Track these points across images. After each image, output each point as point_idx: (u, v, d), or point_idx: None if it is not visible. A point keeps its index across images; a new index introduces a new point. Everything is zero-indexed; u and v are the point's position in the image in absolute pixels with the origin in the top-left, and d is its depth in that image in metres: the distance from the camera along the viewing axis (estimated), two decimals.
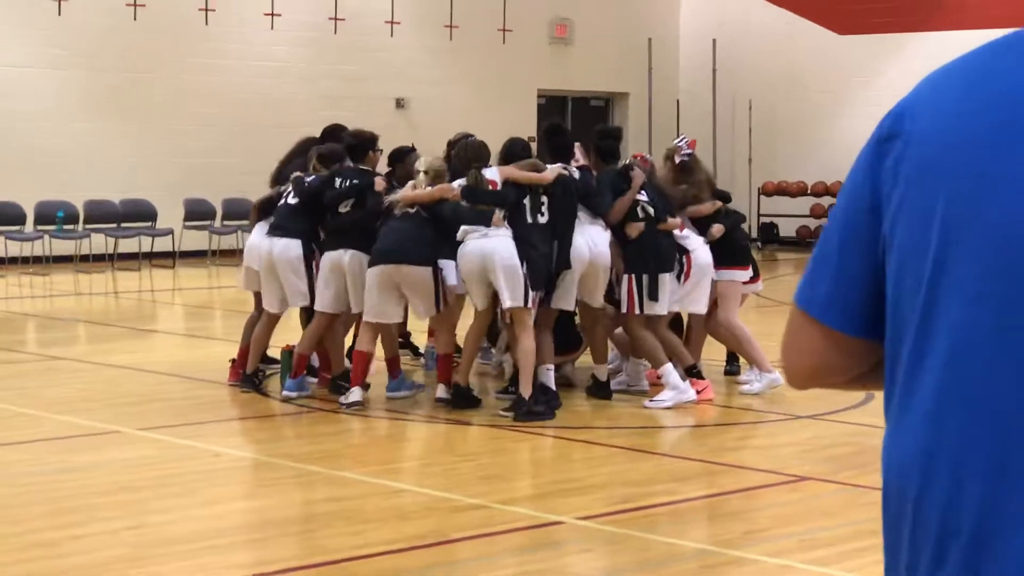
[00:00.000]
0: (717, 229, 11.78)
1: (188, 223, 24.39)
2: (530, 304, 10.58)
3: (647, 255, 11.17)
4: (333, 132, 12.29)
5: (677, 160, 11.89)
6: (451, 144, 12.37)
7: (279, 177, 12.03)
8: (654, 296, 11.10)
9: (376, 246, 10.82)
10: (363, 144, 11.57)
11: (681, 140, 12.22)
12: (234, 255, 24.49)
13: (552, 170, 10.94)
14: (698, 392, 11.25)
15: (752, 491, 8.62)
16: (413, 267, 10.71)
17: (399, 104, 27.33)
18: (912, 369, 2.00)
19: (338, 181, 11.25)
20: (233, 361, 12.07)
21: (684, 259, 11.39)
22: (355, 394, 10.90)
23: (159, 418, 10.63)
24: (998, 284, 1.92)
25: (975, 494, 1.92)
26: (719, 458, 9.61)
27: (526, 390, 10.47)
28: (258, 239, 11.57)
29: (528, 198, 10.86)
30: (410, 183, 11.06)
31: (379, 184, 11.22)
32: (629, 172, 11.30)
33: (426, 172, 10.96)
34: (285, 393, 11.31)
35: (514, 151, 11.29)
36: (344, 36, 26.66)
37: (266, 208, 11.72)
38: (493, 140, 12.56)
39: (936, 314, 1.98)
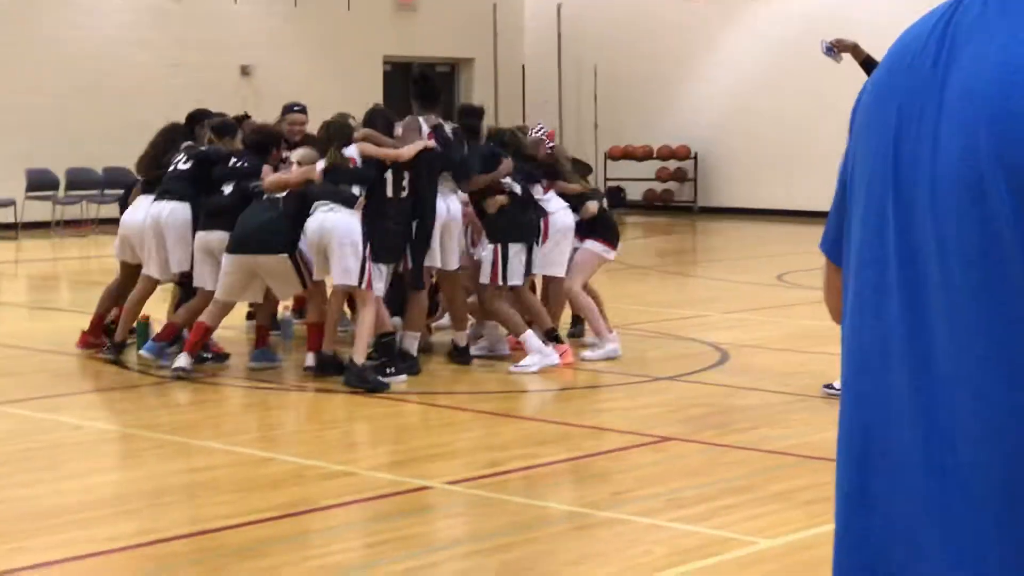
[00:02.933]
0: (592, 206, 11.92)
1: (30, 194, 23.94)
2: (364, 284, 10.58)
3: (512, 226, 11.27)
4: (197, 117, 12.24)
5: (542, 153, 12.04)
6: (286, 109, 12.64)
7: (150, 166, 11.89)
8: (518, 267, 11.23)
9: (233, 233, 10.82)
10: (266, 141, 11.47)
11: (539, 131, 12.37)
12: (79, 225, 24.15)
13: (413, 146, 10.97)
14: (558, 356, 11.33)
15: (616, 452, 8.72)
16: (269, 256, 10.74)
17: (244, 71, 27.05)
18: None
19: (233, 160, 11.22)
20: (85, 330, 11.95)
21: (542, 222, 11.50)
22: (182, 359, 10.86)
23: (14, 391, 10.46)
24: (867, 231, 1.99)
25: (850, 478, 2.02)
26: (582, 421, 9.69)
27: (359, 356, 10.48)
28: (143, 205, 11.49)
29: (390, 172, 10.89)
30: (279, 171, 11.08)
31: (266, 171, 11.16)
32: (500, 157, 11.41)
33: (299, 163, 11.02)
34: (142, 353, 11.24)
35: (374, 126, 11.29)
36: (188, 2, 26.32)
37: (150, 185, 11.65)
38: (340, 107, 12.56)
39: (848, 260, 2.06)
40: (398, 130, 11.31)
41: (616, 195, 30.27)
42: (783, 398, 10.20)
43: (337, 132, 11.10)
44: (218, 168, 11.26)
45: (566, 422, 9.61)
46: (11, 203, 23.50)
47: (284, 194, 10.86)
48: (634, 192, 30.29)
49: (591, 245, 11.91)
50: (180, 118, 12.54)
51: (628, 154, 30.05)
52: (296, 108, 12.58)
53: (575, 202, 11.89)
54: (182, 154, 11.53)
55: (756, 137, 28.50)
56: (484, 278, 11.28)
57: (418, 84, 11.70)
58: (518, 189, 11.44)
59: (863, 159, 2.01)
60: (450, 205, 11.20)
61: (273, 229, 10.75)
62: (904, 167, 1.91)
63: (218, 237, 10.98)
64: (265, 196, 10.87)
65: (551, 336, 11.46)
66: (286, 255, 10.76)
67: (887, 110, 1.96)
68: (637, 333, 12.99)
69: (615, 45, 30.20)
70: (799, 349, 12.26)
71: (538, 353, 11.14)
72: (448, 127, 11.36)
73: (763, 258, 21.29)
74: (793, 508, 7.27)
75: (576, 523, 7.10)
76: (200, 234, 11.12)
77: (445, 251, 11.20)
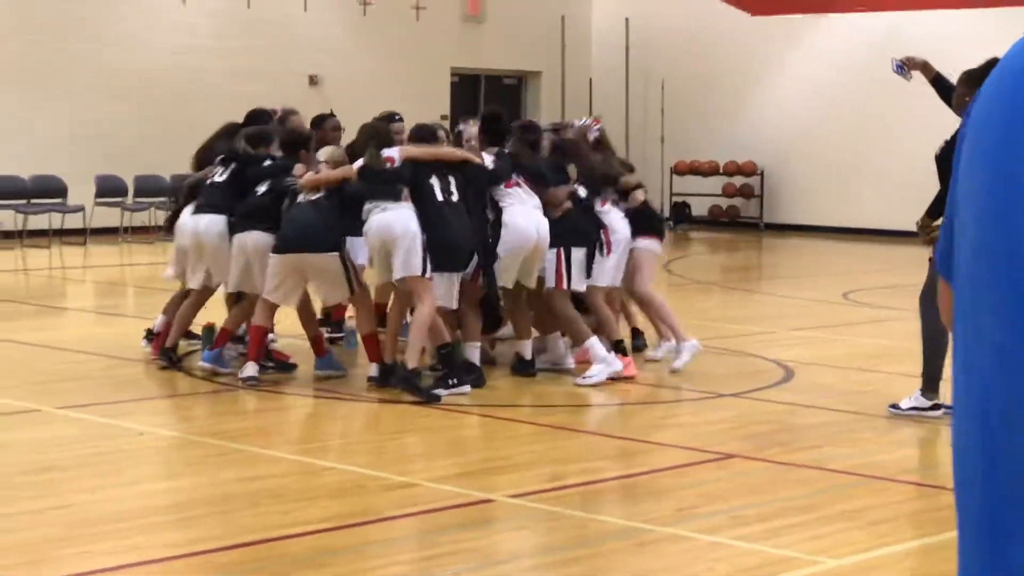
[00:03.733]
0: (640, 194, 12.01)
1: (100, 200, 24.13)
2: (427, 274, 10.59)
3: (575, 230, 11.28)
4: (256, 116, 12.30)
5: (591, 139, 12.06)
6: (318, 118, 12.88)
7: (203, 160, 11.98)
8: (580, 271, 11.24)
9: (280, 233, 10.84)
10: (295, 142, 11.53)
11: (585, 120, 12.39)
12: (147, 232, 24.31)
13: (458, 151, 11.10)
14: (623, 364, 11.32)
15: (679, 469, 8.67)
16: (319, 255, 10.74)
17: (312, 81, 27.16)
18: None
19: (267, 162, 11.33)
20: (155, 335, 12.01)
21: (602, 233, 11.51)
22: (250, 368, 10.88)
23: (78, 396, 10.52)
24: (975, 265, 1.93)
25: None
26: (645, 436, 9.66)
27: (411, 360, 10.47)
28: (185, 218, 11.54)
29: (435, 177, 10.90)
30: (310, 172, 11.11)
31: (298, 170, 11.20)
32: (564, 166, 11.46)
33: (327, 162, 11.07)
34: (201, 363, 11.29)
35: (420, 135, 11.34)
36: (257, 10, 26.46)
37: (195, 190, 11.67)
38: (408, 118, 12.64)
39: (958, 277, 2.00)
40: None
41: (682, 210, 30.20)
42: (848, 417, 10.13)
43: (376, 133, 11.13)
44: (251, 169, 11.31)
45: (629, 437, 9.58)
46: (81, 209, 23.68)
47: (321, 194, 10.85)
48: (699, 207, 30.21)
49: (646, 244, 11.98)
50: None
51: (694, 169, 29.97)
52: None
53: (624, 197, 12.03)
54: (218, 166, 11.55)
55: (822, 154, 28.37)
56: (549, 283, 11.28)
57: (487, 122, 11.78)
58: (583, 193, 11.48)
59: (968, 177, 1.97)
60: (540, 224, 11.18)
61: (322, 227, 10.75)
62: (1013, 188, 1.86)
63: (253, 237, 11.00)
64: (301, 196, 10.88)
65: (617, 348, 11.44)
66: (336, 253, 10.76)
67: (990, 126, 1.91)
68: (701, 349, 12.93)
69: (683, 59, 30.14)
70: (864, 368, 12.18)
71: (602, 362, 11.11)
72: (494, 160, 11.36)
73: (828, 276, 21.18)
74: (858, 528, 7.21)
75: (637, 539, 7.06)
76: (236, 237, 11.14)
77: (527, 270, 11.18)
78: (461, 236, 10.86)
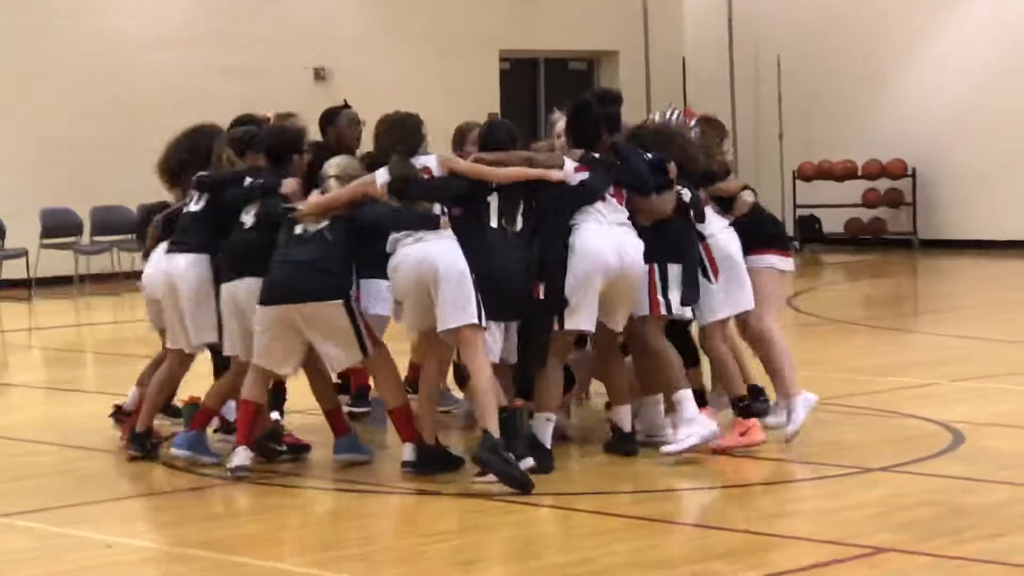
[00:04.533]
0: (748, 197, 11.91)
1: (47, 241, 24.28)
2: (484, 323, 10.60)
3: (674, 242, 11.24)
4: (242, 125, 12.25)
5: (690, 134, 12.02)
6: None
7: (174, 174, 11.96)
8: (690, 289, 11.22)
9: (268, 277, 10.83)
10: (284, 146, 11.51)
11: (671, 111, 12.30)
12: (109, 280, 24.42)
13: (555, 170, 10.98)
14: (741, 434, 11.27)
15: (815, 569, 8.64)
16: (316, 304, 10.73)
17: (318, 76, 27.33)
18: None
19: (248, 180, 11.28)
20: (127, 414, 12.07)
21: (702, 249, 11.46)
22: (239, 456, 10.90)
23: (30, 499, 10.57)
24: None
25: None
26: (768, 527, 9.62)
27: (493, 428, 10.45)
28: (156, 260, 11.58)
29: (497, 197, 10.90)
30: (315, 192, 11.05)
31: (289, 186, 11.18)
32: (665, 164, 11.35)
33: (338, 177, 11.01)
34: (174, 451, 11.33)
35: (498, 139, 11.30)
36: None
37: (169, 225, 11.70)
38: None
39: None
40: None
41: (809, 226, 30.14)
42: None
43: (402, 132, 11.04)
44: (230, 192, 11.27)
45: (747, 529, 9.55)
46: (22, 254, 23.84)
47: (326, 223, 10.86)
48: (833, 222, 30.16)
49: (762, 260, 11.87)
50: None
51: (824, 172, 29.95)
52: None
53: (728, 205, 11.90)
54: (194, 191, 11.53)
55: (991, 148, 28.27)
56: (641, 310, 11.24)
57: (575, 115, 11.53)
58: (687, 195, 11.38)
59: None
60: (625, 244, 11.06)
61: (321, 268, 10.72)
62: None
63: (247, 286, 11.00)
64: (299, 227, 10.87)
65: (740, 408, 11.36)
66: (341, 301, 10.74)
67: None
68: (839, 409, 12.89)
69: (803, 33, 30.14)
70: None
71: (691, 422, 11.05)
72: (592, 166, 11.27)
73: (1008, 306, 21.09)
74: None
75: None
76: (225, 287, 11.16)
77: (610, 308, 11.09)
78: (513, 275, 10.87)
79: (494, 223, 10.90)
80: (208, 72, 25.93)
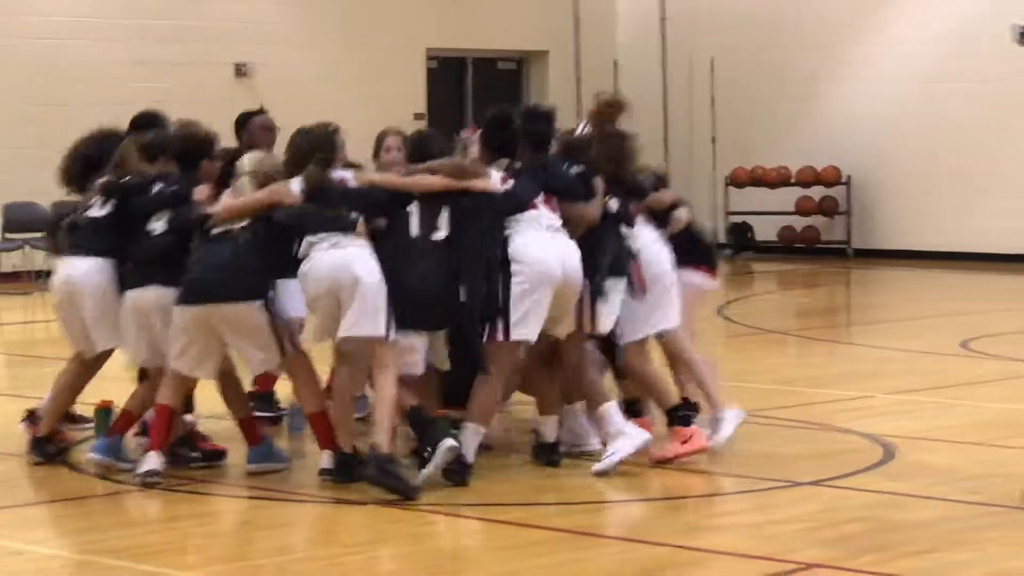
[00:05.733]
0: (684, 214, 11.99)
1: None
2: (390, 337, 10.61)
3: (606, 256, 11.28)
4: (146, 123, 12.19)
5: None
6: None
7: (79, 177, 11.89)
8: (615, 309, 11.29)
9: (185, 278, 10.84)
10: (193, 150, 11.46)
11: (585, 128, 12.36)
12: (20, 279, 24.30)
13: (481, 179, 11.02)
14: (683, 442, 11.30)
15: None
16: (235, 305, 10.74)
17: (239, 72, 27.26)
18: None
19: (157, 187, 11.26)
20: (39, 419, 12.01)
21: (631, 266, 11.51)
22: (150, 461, 10.85)
23: None
24: None
25: None
26: (697, 542, 9.64)
27: (385, 441, 10.47)
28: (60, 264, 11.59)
29: (418, 205, 10.91)
30: (228, 191, 11.03)
31: (200, 193, 11.16)
32: (590, 177, 11.43)
33: (253, 174, 10.99)
34: (91, 456, 11.26)
35: (428, 152, 11.34)
36: None
37: (76, 228, 11.66)
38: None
39: None
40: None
41: (741, 234, 30.23)
42: (970, 510, 10.13)
43: (315, 141, 11.02)
44: (136, 200, 11.24)
45: (674, 543, 9.56)
46: None
47: (242, 223, 10.83)
48: (766, 230, 30.25)
49: (688, 276, 11.93)
50: None
51: (757, 179, 30.04)
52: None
53: (666, 212, 11.97)
54: (96, 195, 11.49)
55: (929, 155, 28.38)
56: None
57: (492, 128, 11.58)
58: (615, 205, 11.42)
59: None
60: (568, 252, 11.14)
61: (239, 267, 10.74)
62: None
63: (154, 295, 11.01)
64: (214, 229, 10.84)
65: (677, 417, 11.40)
66: (259, 302, 10.75)
67: None
68: (770, 422, 12.93)
69: (738, 36, 30.18)
70: (991, 442, 12.17)
71: (620, 436, 11.10)
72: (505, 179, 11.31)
73: (941, 318, 21.18)
74: None
75: None
76: (130, 294, 11.15)
77: (554, 316, 11.15)
78: (436, 284, 10.88)
79: (415, 232, 10.91)
80: (128, 67, 25.81)
